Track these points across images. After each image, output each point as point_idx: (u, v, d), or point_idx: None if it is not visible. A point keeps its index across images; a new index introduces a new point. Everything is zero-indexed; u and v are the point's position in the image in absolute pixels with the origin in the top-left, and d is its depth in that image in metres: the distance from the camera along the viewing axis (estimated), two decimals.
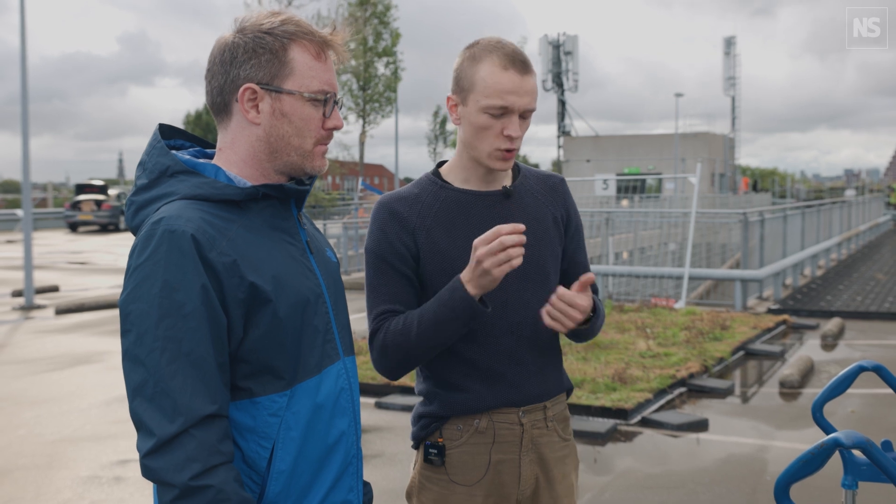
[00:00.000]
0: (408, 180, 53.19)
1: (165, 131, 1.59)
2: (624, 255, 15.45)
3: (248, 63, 1.49)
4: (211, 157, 1.61)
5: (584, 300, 1.85)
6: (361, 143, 33.97)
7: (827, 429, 2.15)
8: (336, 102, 1.56)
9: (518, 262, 1.73)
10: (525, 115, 1.89)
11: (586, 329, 1.96)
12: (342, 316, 1.63)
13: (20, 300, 12.85)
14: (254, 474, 1.46)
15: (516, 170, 2.06)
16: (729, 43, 55.71)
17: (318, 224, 22.38)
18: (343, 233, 19.22)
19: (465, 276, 1.80)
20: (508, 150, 1.89)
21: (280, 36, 1.49)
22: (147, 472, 1.35)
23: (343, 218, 25.65)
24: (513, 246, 1.72)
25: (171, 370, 1.35)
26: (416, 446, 2.03)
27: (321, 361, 1.53)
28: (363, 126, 33.58)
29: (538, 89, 1.96)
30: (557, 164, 50.31)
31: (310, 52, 1.52)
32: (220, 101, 1.52)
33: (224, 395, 1.40)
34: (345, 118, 32.51)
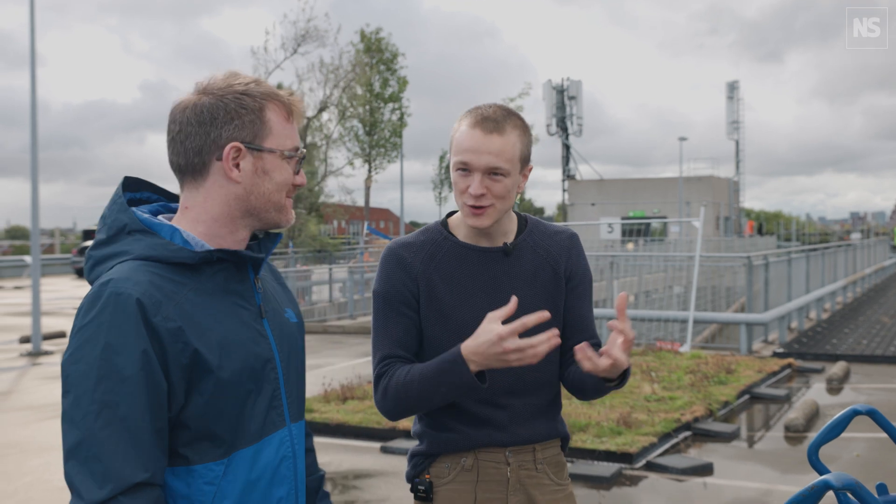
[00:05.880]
0: (414, 224, 53.37)
1: (131, 184, 1.60)
2: (630, 298, 15.47)
3: (230, 123, 1.51)
4: (175, 211, 1.61)
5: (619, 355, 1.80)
6: (367, 188, 34.22)
7: (822, 472, 2.18)
8: (302, 160, 1.62)
9: (543, 351, 1.74)
10: (493, 174, 1.90)
11: (614, 386, 1.96)
12: (294, 380, 1.62)
13: (28, 346, 12.91)
14: None
15: (523, 224, 2.09)
16: (732, 87, 56.24)
17: (323, 269, 22.44)
18: (349, 277, 19.30)
19: (468, 350, 1.79)
20: (474, 207, 1.93)
21: (258, 97, 1.53)
22: None
23: (349, 262, 25.73)
24: (540, 343, 1.74)
25: (104, 434, 1.33)
26: (410, 484, 2.09)
27: (263, 429, 1.52)
28: (369, 171, 33.85)
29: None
30: (562, 208, 50.52)
31: (281, 113, 1.56)
32: (198, 162, 1.52)
33: (159, 462, 1.39)
34: (350, 163, 32.83)
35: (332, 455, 6.66)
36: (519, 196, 2.03)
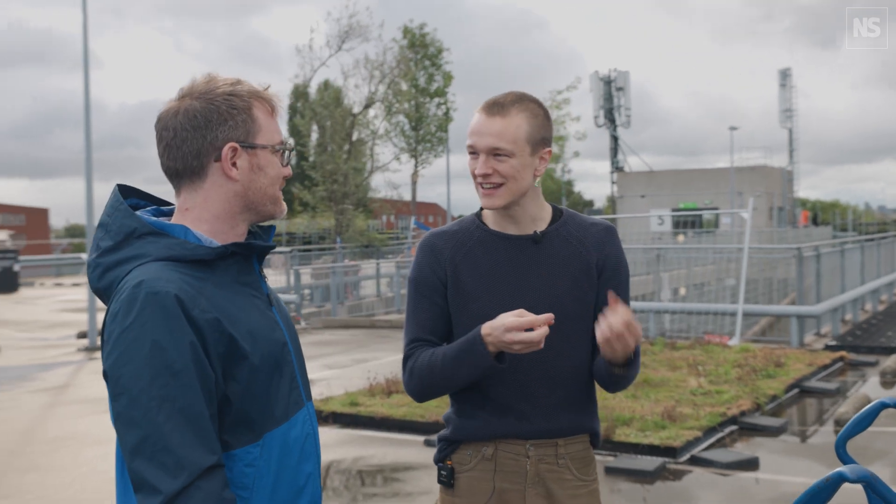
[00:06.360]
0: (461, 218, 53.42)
1: (122, 191, 1.65)
2: (681, 290, 15.33)
3: (224, 124, 1.56)
4: (167, 214, 1.67)
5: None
6: (414, 183, 34.39)
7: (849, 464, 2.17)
8: (291, 153, 1.68)
9: (540, 342, 1.84)
10: (496, 154, 1.97)
11: (623, 375, 1.99)
12: (302, 363, 1.71)
13: (84, 341, 13.29)
14: None
15: (558, 214, 2.11)
16: (784, 75, 55.08)
17: (371, 263, 22.65)
18: (396, 271, 19.45)
19: (487, 331, 1.87)
20: (484, 187, 1.99)
21: (245, 97, 1.59)
22: None
23: (396, 257, 25.92)
24: (538, 338, 1.83)
25: (169, 427, 1.38)
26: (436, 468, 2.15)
27: (288, 409, 1.60)
28: (415, 166, 34.01)
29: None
30: (612, 200, 50.08)
31: (266, 109, 1.63)
32: (197, 164, 1.57)
33: (218, 445, 1.46)
34: (397, 158, 33.07)
35: (376, 448, 6.75)
36: (538, 180, 2.07)
